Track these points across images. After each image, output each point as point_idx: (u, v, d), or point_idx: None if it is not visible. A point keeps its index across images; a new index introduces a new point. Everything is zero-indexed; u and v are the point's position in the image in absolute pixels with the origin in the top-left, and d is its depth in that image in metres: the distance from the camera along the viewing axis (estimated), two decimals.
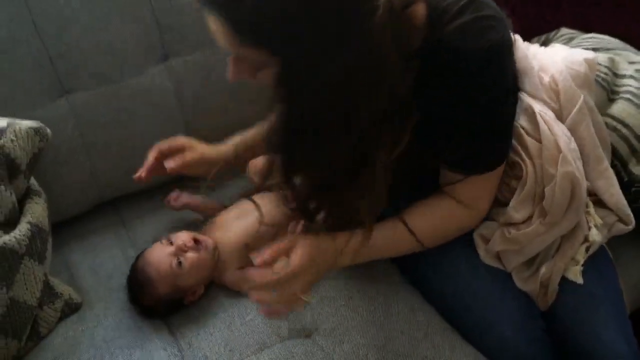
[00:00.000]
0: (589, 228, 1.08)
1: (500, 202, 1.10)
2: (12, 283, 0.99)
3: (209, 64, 1.23)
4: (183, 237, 1.08)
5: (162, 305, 1.08)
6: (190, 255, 1.06)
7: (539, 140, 1.05)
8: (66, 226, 1.20)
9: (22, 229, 1.01)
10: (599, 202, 1.11)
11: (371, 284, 1.12)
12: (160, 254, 1.06)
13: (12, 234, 1.00)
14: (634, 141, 1.14)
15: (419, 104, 0.88)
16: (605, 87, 1.17)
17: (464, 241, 1.10)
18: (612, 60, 1.20)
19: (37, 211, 1.07)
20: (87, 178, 1.20)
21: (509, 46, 0.93)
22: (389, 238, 1.01)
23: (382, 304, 1.09)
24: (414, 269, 1.14)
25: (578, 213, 1.05)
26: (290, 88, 0.77)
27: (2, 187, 1.01)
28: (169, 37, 1.19)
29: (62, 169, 1.17)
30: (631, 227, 1.10)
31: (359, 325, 1.04)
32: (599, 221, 1.09)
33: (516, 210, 1.05)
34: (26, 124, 1.05)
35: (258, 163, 1.19)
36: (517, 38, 1.12)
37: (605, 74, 1.18)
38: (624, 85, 1.17)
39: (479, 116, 0.92)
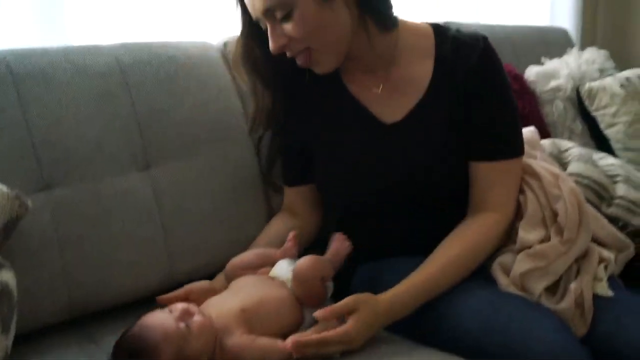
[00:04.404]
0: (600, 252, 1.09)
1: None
2: None
3: (189, 176, 1.25)
4: (184, 305, 0.98)
5: None
6: (198, 318, 0.96)
7: (534, 175, 1.13)
8: (23, 342, 1.02)
9: None
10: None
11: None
12: (163, 317, 0.95)
13: None
14: (597, 187, 1.25)
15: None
16: (555, 160, 1.31)
17: (477, 276, 1.07)
18: (553, 142, 1.37)
19: (7, 276, 0.93)
20: (57, 276, 1.07)
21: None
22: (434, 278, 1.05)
23: None
24: (420, 322, 1.05)
25: (588, 230, 1.08)
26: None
27: None
28: (150, 147, 1.22)
29: (32, 261, 1.05)
30: (632, 248, 1.14)
31: None
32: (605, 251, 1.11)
33: (526, 230, 1.07)
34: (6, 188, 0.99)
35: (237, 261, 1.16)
36: None
37: (551, 152, 1.34)
38: (569, 155, 1.33)
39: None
